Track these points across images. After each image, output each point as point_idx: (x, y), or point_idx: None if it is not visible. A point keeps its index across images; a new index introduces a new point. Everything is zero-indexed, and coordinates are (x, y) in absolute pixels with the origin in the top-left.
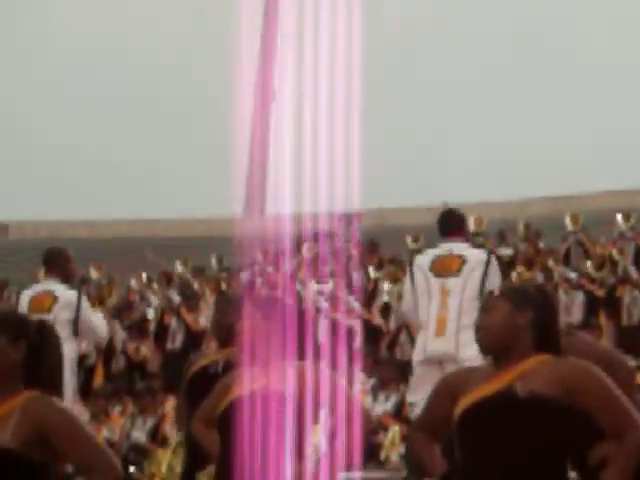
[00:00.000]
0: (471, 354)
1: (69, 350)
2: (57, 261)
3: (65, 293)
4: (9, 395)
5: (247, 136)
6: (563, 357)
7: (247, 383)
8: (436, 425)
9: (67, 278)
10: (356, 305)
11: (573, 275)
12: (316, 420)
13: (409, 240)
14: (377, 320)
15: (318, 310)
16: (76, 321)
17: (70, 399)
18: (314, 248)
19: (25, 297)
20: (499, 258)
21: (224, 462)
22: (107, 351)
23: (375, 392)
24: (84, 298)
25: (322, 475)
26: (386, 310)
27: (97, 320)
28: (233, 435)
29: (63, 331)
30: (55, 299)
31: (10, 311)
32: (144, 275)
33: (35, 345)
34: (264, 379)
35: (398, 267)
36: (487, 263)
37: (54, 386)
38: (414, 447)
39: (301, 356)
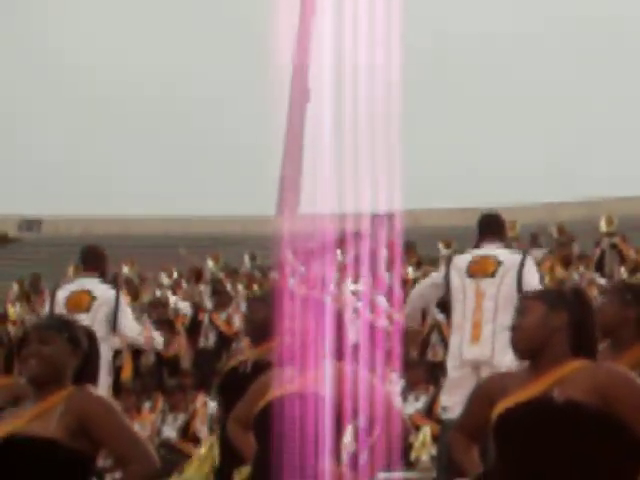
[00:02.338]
0: (506, 360)
1: (106, 351)
2: (96, 259)
3: (104, 292)
4: (54, 391)
5: (282, 136)
6: (600, 362)
7: (284, 384)
8: (475, 429)
9: (103, 276)
10: (386, 306)
11: (603, 281)
12: (351, 421)
13: (441, 246)
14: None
15: (353, 311)
16: (114, 320)
17: None
18: (352, 248)
19: (62, 295)
20: None
21: (260, 463)
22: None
23: (404, 394)
24: (122, 297)
25: (361, 475)
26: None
27: (132, 322)
28: (270, 436)
29: (100, 330)
30: (93, 298)
31: (68, 318)
32: (175, 272)
33: (85, 350)
34: (301, 380)
35: (436, 268)
36: (522, 264)
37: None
38: (452, 448)
39: (339, 357)
